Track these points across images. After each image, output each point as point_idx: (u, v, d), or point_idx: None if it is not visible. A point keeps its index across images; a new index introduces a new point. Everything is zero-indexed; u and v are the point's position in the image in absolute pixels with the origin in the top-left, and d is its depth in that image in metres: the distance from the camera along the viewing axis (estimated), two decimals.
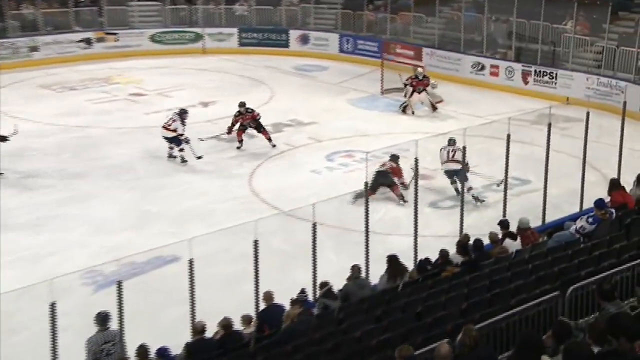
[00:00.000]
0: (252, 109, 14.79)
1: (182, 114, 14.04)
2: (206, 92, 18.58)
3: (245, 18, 23.21)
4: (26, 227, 11.01)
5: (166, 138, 13.79)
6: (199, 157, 13.67)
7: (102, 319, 7.00)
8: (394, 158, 12.35)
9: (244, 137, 14.64)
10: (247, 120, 14.68)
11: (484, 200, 11.72)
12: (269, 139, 14.57)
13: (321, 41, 22.52)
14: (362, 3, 22.24)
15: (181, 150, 13.69)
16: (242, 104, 14.75)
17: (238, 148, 14.55)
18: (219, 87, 19.02)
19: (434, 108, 16.81)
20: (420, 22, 21.15)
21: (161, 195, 12.29)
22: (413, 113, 16.83)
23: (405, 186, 11.96)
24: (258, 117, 14.67)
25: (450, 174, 11.88)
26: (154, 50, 22.47)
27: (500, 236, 9.10)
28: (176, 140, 13.73)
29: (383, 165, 12.19)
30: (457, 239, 9.06)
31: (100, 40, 22.14)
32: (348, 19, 22.51)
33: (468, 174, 11.30)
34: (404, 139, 13.61)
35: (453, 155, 11.85)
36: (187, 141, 13.68)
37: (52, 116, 16.43)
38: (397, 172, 12.14)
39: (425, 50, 20.08)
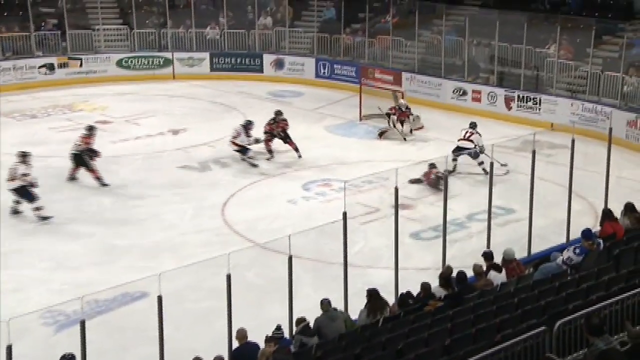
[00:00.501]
0: (285, 118, 15.67)
1: (248, 124, 15.39)
2: (176, 119, 18.60)
3: (217, 42, 23.35)
4: None
5: (237, 151, 15.18)
6: (255, 165, 14.90)
7: None
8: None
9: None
10: (278, 128, 15.52)
11: (487, 173, 11.91)
12: (296, 149, 15.43)
13: (297, 66, 22.70)
14: (338, 26, 22.52)
15: (250, 157, 15.01)
16: (279, 112, 15.82)
17: (268, 159, 15.41)
18: (189, 114, 19.06)
19: (405, 139, 17.01)
20: (400, 46, 21.44)
21: (129, 228, 12.22)
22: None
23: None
24: (287, 128, 15.56)
25: (457, 150, 14.07)
26: (120, 76, 22.48)
27: (484, 268, 9.16)
28: (243, 150, 15.14)
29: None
30: (439, 271, 9.11)
31: (63, 65, 22.11)
32: (324, 43, 22.74)
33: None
34: (383, 167, 13.74)
35: (468, 136, 14.31)
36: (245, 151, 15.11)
37: (12, 145, 16.24)
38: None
39: (405, 75, 20.31)
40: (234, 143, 15.23)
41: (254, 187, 14.11)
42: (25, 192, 12.49)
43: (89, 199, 13.44)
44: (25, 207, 12.62)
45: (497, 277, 9.05)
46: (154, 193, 13.74)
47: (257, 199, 13.49)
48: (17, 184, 12.52)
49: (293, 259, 8.13)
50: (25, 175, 12.56)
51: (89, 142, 14.40)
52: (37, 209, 12.43)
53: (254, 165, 15.02)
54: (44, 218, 12.41)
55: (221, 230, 12.11)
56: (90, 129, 14.77)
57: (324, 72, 22.25)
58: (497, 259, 9.43)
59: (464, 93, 19.42)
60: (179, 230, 12.18)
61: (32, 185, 12.54)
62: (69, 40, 22.36)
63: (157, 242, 11.66)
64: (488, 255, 9.43)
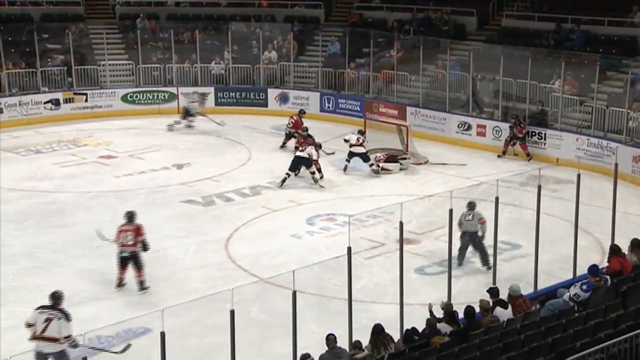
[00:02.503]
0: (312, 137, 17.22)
1: (362, 133, 17.37)
2: (181, 153, 18.71)
3: (221, 77, 23.57)
4: None
5: (356, 154, 16.88)
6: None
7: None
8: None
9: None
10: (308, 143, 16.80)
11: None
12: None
13: (301, 100, 22.86)
14: (343, 61, 22.74)
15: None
16: (306, 128, 17.55)
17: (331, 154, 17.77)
18: (194, 149, 19.17)
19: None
20: (404, 80, 21.61)
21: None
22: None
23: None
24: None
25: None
26: (125, 111, 22.67)
27: (490, 304, 9.12)
28: (364, 156, 16.89)
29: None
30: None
31: (68, 100, 22.31)
32: (329, 78, 22.95)
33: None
34: (388, 202, 13.78)
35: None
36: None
37: (16, 180, 16.40)
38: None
39: (409, 109, 20.45)
40: (359, 145, 16.97)
41: (258, 222, 14.13)
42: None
43: (92, 233, 13.44)
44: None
45: (504, 314, 9.00)
46: (158, 227, 13.75)
47: (260, 233, 13.50)
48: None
49: (297, 294, 8.11)
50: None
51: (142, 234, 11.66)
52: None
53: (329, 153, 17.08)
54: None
55: (225, 265, 12.11)
56: (130, 216, 11.90)
57: (328, 107, 22.42)
58: (503, 294, 9.39)
59: (469, 127, 19.51)
60: (182, 265, 12.17)
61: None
62: (74, 75, 22.59)
63: (160, 277, 11.64)
64: (494, 292, 9.39)
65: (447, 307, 8.82)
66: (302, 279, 8.28)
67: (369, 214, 13.39)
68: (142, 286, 11.34)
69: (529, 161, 17.85)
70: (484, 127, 19.24)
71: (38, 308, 8.75)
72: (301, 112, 19.23)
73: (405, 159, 17.49)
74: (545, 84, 18.90)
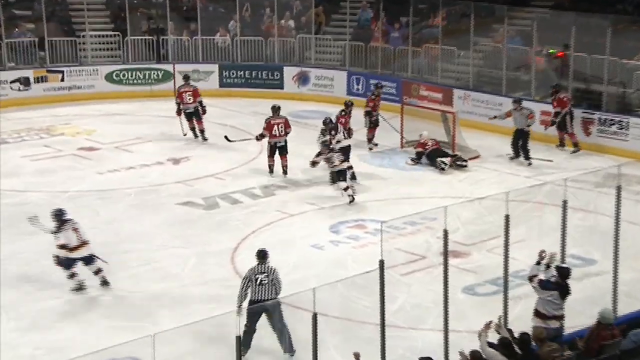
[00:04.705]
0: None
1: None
2: (177, 145, 18.86)
3: (227, 51, 23.68)
4: None
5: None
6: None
7: (263, 255, 10.11)
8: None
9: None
10: (347, 123, 17.22)
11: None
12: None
13: (324, 81, 22.93)
14: (376, 33, 22.76)
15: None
16: (350, 103, 17.86)
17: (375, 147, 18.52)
18: (193, 140, 19.31)
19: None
20: (451, 56, 21.60)
21: (117, 277, 12.32)
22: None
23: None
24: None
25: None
26: (110, 93, 22.90)
27: (544, 333, 9.12)
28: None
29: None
30: (499, 335, 9.07)
31: (40, 80, 22.57)
32: (359, 53, 22.98)
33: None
34: (429, 205, 13.78)
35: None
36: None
37: None
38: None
39: (456, 92, 20.42)
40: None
41: (271, 229, 14.20)
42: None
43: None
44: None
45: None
46: (149, 235, 13.88)
47: (274, 243, 13.49)
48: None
49: (318, 316, 8.15)
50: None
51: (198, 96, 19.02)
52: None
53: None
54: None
55: (230, 282, 12.14)
56: (187, 78, 19.42)
57: (357, 89, 22.46)
58: (573, 319, 9.36)
59: (530, 115, 19.41)
60: (178, 282, 12.27)
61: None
62: (48, 49, 22.82)
63: (151, 296, 11.75)
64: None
65: (505, 336, 8.82)
66: (325, 299, 8.32)
67: (406, 220, 13.40)
68: (204, 135, 18.92)
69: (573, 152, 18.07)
70: (549, 114, 19.14)
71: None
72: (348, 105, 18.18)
73: (456, 157, 17.44)
74: (628, 59, 18.77)
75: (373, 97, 18.90)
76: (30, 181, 16.52)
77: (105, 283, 12.03)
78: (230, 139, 18.13)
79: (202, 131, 19.04)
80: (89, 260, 11.98)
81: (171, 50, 23.62)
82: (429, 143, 17.49)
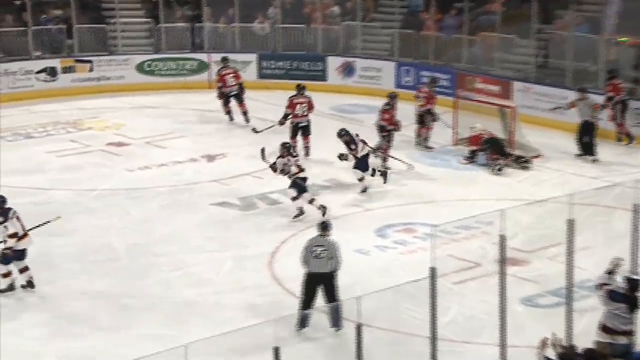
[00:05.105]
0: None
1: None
2: (213, 141, 18.96)
3: (267, 40, 23.74)
4: None
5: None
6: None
7: (324, 227, 10.92)
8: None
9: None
10: (392, 117, 17.26)
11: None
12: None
13: (371, 72, 22.91)
14: (427, 20, 22.65)
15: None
16: (394, 95, 17.72)
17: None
18: (229, 135, 19.39)
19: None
20: (510, 45, 21.42)
21: (148, 282, 12.42)
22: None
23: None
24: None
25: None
26: (141, 84, 23.09)
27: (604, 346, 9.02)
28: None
29: None
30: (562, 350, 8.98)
31: (68, 70, 22.83)
32: (409, 42, 22.89)
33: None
34: (485, 208, 13.69)
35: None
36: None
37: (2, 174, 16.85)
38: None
39: (516, 84, 20.25)
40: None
41: (312, 232, 14.16)
42: None
43: (97, 243, 13.75)
44: None
45: None
46: (182, 237, 13.96)
47: None
48: None
49: (363, 328, 8.14)
50: None
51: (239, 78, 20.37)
52: None
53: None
54: None
55: (268, 289, 12.20)
56: (226, 60, 20.70)
57: (407, 81, 22.41)
58: None
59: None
60: (213, 288, 12.32)
61: None
62: (76, 37, 23.06)
63: (184, 303, 11.82)
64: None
65: (565, 352, 8.72)
66: (370, 309, 8.30)
67: (459, 224, 13.30)
68: (247, 117, 19.98)
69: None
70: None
71: None
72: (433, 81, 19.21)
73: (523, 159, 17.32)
74: None
75: (426, 91, 18.75)
76: (55, 178, 16.71)
77: (30, 285, 12.05)
78: (257, 129, 18.66)
79: (244, 113, 20.01)
80: (23, 254, 12.05)
81: (207, 39, 23.72)
82: (484, 135, 17.35)
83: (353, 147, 15.93)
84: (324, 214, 14.14)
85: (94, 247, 13.63)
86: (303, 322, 10.60)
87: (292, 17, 23.95)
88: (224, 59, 20.66)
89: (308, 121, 17.81)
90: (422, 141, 18.51)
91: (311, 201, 14.57)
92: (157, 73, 23.44)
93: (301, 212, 14.49)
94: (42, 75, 22.54)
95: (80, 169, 17.29)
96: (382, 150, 16.94)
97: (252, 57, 23.44)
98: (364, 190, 15.69)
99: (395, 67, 22.71)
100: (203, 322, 11.11)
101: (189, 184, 16.39)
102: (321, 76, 23.31)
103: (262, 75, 23.42)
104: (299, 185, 14.55)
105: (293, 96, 17.90)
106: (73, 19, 23.01)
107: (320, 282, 10.66)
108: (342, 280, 12.08)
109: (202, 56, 23.47)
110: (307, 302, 10.67)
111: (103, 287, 12.34)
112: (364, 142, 16.08)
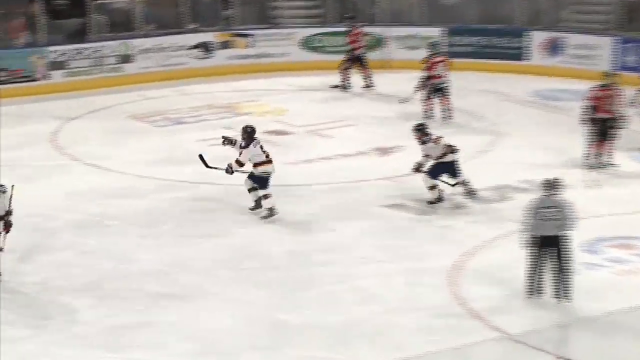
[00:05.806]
0: None
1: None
2: (386, 131, 19.00)
3: (455, 12, 23.53)
4: (98, 345, 11.43)
5: None
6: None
7: (550, 184, 11.41)
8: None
9: None
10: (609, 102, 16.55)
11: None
12: None
13: (584, 50, 22.45)
14: None
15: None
16: (611, 73, 17.33)
17: None
18: (406, 125, 19.29)
19: None
20: None
21: (309, 296, 12.48)
22: None
23: None
24: None
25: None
26: (307, 63, 23.38)
27: None
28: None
29: None
30: None
31: (225, 45, 23.34)
32: (634, 12, 22.18)
33: None
34: None
35: None
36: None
37: (146, 164, 17.35)
38: None
39: None
40: None
41: (503, 243, 13.91)
42: None
43: (252, 248, 13.94)
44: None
45: None
46: (347, 245, 13.99)
47: (507, 262, 13.26)
48: None
49: None
50: None
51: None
52: None
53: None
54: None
55: (448, 310, 12.02)
56: (436, 45, 20.57)
57: (631, 61, 21.76)
58: None
59: None
60: (382, 305, 12.25)
61: None
62: (235, 7, 23.50)
63: (349, 322, 11.81)
64: None
65: None
66: (575, 340, 8.03)
67: None
68: (450, 114, 19.68)
69: None
70: None
71: None
72: None
73: None
74: None
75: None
76: (205, 171, 17.03)
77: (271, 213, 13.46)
78: (403, 101, 19.91)
79: (447, 110, 20.08)
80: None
81: (385, 10, 23.73)
82: None
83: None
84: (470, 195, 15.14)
85: (250, 254, 13.80)
86: (532, 288, 11.53)
87: None
88: (435, 45, 20.62)
89: (448, 82, 18.67)
90: None
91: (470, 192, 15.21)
92: (326, 50, 23.63)
93: (440, 198, 15.16)
94: (195, 52, 23.09)
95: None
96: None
97: (438, 31, 23.28)
98: (432, 202, 15.30)
99: (615, 43, 22.08)
100: (371, 346, 11.07)
101: (357, 182, 16.40)
102: (520, 55, 23.04)
103: (450, 53, 23.15)
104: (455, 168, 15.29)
105: (431, 55, 18.99)
106: None
107: (549, 245, 11.33)
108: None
109: (377, 29, 23.47)
110: (537, 267, 11.43)
111: (257, 298, 12.47)
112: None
